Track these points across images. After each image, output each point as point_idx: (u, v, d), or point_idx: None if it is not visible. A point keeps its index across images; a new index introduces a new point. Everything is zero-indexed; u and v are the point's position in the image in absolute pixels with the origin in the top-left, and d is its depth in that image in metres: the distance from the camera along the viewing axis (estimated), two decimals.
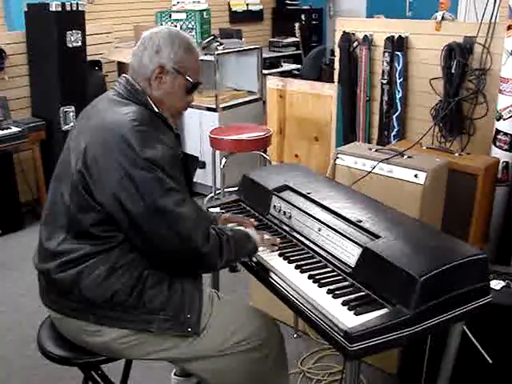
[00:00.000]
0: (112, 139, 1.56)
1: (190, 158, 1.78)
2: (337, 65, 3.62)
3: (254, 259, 1.84)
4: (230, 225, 1.96)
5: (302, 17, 7.11)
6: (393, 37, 3.26)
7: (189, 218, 1.57)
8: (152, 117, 1.67)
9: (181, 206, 1.56)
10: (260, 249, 1.83)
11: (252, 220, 2.05)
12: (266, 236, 1.87)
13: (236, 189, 2.43)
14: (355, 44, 3.47)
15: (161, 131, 1.66)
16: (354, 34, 3.47)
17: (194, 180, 1.65)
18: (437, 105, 3.12)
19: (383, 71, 3.35)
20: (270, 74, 5.12)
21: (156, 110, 1.70)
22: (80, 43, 4.21)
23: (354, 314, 1.49)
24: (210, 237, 1.62)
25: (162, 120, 1.71)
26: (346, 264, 1.70)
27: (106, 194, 1.56)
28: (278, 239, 1.90)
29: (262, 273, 1.80)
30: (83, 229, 1.61)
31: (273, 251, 1.84)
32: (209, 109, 4.45)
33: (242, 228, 1.89)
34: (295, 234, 1.94)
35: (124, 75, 1.75)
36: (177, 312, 1.65)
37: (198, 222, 1.61)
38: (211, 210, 2.24)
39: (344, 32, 3.49)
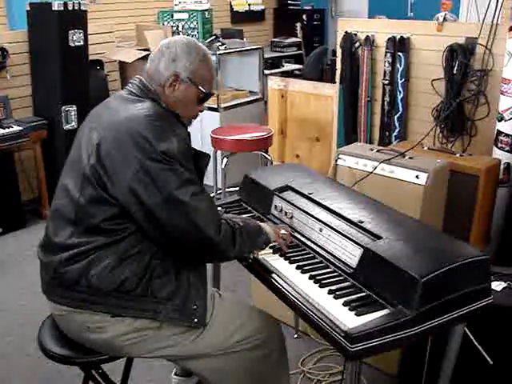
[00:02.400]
0: (127, 134, 1.58)
1: (201, 155, 1.80)
2: (338, 65, 3.62)
3: (253, 258, 1.84)
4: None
5: (304, 17, 7.12)
6: (394, 37, 3.25)
7: (204, 209, 1.60)
8: (165, 112, 1.70)
9: (197, 197, 1.59)
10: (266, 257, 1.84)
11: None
12: (282, 231, 1.88)
13: (237, 189, 2.43)
14: (357, 44, 3.46)
15: (174, 125, 1.69)
16: (355, 34, 3.46)
17: None
18: (438, 105, 3.12)
19: (385, 72, 3.35)
20: (271, 74, 5.13)
21: (166, 107, 1.73)
22: (82, 42, 4.21)
23: (355, 314, 1.49)
24: (222, 227, 1.65)
25: (175, 116, 1.74)
26: (347, 265, 1.70)
27: (121, 188, 1.57)
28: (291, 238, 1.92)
29: (262, 273, 1.80)
30: (94, 223, 1.62)
31: (286, 256, 1.84)
32: (210, 108, 4.46)
33: (253, 220, 1.91)
34: (296, 234, 1.94)
35: (137, 76, 1.77)
36: (184, 302, 1.67)
37: (212, 213, 1.64)
38: None
39: (346, 32, 3.49)
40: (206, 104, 1.86)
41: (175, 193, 1.56)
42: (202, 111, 1.84)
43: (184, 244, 1.63)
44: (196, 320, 1.69)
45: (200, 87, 1.74)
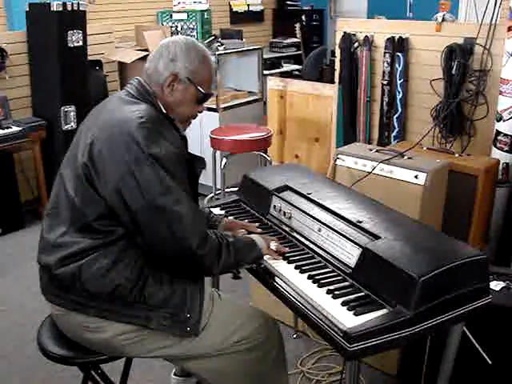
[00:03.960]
0: (118, 134, 1.59)
1: (196, 159, 1.79)
2: (337, 65, 3.63)
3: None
4: (239, 232, 1.96)
5: (303, 17, 7.10)
6: (393, 38, 3.26)
7: (186, 219, 1.58)
8: (160, 116, 1.70)
9: (179, 205, 1.57)
10: (266, 257, 1.82)
11: (255, 225, 2.04)
12: (273, 245, 1.85)
13: (236, 189, 2.44)
14: (356, 45, 3.47)
15: (167, 130, 1.68)
16: (354, 34, 3.47)
17: None
18: (437, 106, 3.12)
19: (384, 72, 3.35)
20: (270, 75, 5.13)
21: (164, 111, 1.73)
22: (81, 43, 4.22)
23: (354, 314, 1.49)
24: (208, 239, 1.62)
25: (169, 121, 1.74)
26: (345, 264, 1.70)
27: (108, 188, 1.58)
28: (287, 249, 1.87)
29: (261, 273, 1.80)
30: (86, 222, 1.62)
31: (276, 259, 1.81)
32: (209, 109, 4.46)
33: (249, 235, 1.87)
34: (295, 234, 1.95)
35: (137, 77, 1.78)
36: (177, 310, 1.66)
37: (195, 223, 1.60)
38: (213, 210, 2.23)
39: (345, 33, 3.49)
40: (206, 104, 1.86)
41: (158, 199, 1.55)
42: (201, 112, 1.83)
43: (164, 254, 1.60)
44: (189, 328, 1.68)
45: (199, 87, 1.74)
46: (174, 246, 1.58)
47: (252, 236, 1.85)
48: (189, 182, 1.71)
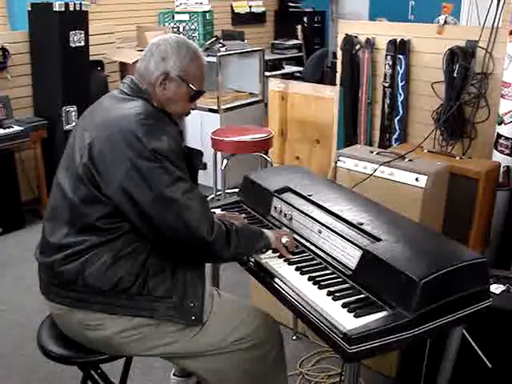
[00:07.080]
0: (118, 133, 1.59)
1: (194, 152, 1.80)
2: (339, 67, 3.63)
3: (253, 260, 1.84)
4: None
5: (305, 19, 7.13)
6: (395, 40, 3.26)
7: (195, 208, 1.60)
8: (156, 111, 1.71)
9: (188, 195, 1.60)
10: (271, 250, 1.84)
11: (241, 216, 2.10)
12: (285, 239, 1.85)
13: (237, 190, 2.44)
14: (357, 47, 3.47)
15: (165, 123, 1.70)
16: (356, 36, 3.47)
17: None
18: (438, 108, 3.12)
19: (385, 74, 3.35)
20: (271, 76, 5.13)
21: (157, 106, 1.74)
22: (83, 43, 4.22)
23: (354, 316, 1.49)
24: (215, 226, 1.65)
25: (166, 115, 1.75)
26: (346, 266, 1.71)
27: (113, 187, 1.58)
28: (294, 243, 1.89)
29: (261, 274, 1.80)
30: (88, 222, 1.63)
31: (285, 258, 1.81)
32: (210, 110, 4.46)
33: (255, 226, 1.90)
34: (295, 235, 1.94)
35: (129, 76, 1.79)
36: (181, 300, 1.67)
37: (204, 211, 1.64)
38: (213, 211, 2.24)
39: (346, 35, 3.50)
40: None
41: (166, 191, 1.57)
42: (193, 109, 1.84)
43: (177, 243, 1.63)
44: (193, 318, 1.69)
45: (190, 85, 1.75)
46: (186, 235, 1.60)
47: (259, 228, 1.88)
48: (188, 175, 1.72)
